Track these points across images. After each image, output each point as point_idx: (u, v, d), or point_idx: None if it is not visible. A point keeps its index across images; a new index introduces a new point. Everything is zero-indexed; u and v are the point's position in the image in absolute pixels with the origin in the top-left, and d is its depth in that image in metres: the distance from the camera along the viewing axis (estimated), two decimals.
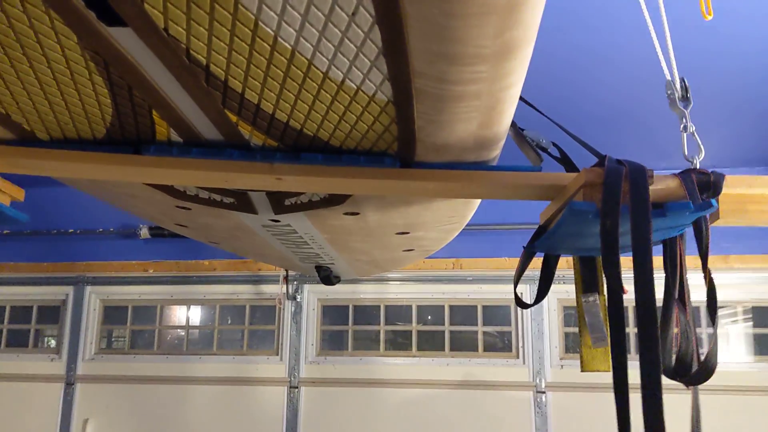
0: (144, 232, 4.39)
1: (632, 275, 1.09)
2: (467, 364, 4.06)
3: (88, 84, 1.10)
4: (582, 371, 1.48)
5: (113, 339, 4.49)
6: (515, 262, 1.49)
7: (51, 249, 4.56)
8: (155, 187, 1.53)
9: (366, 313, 4.28)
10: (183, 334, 4.40)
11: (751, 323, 3.97)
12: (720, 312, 3.98)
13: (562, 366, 3.97)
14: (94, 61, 1.02)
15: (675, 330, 1.24)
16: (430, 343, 4.17)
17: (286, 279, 4.08)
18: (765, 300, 3.95)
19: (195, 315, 4.44)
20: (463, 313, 4.19)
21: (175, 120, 1.20)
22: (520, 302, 1.57)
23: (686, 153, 1.38)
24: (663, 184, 1.26)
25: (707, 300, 1.31)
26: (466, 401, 3.99)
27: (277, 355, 4.22)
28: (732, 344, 3.98)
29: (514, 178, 1.32)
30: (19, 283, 4.52)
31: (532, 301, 1.52)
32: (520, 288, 1.51)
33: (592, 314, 1.42)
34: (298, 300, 4.25)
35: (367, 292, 4.25)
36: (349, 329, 4.26)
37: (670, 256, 1.31)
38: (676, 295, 1.25)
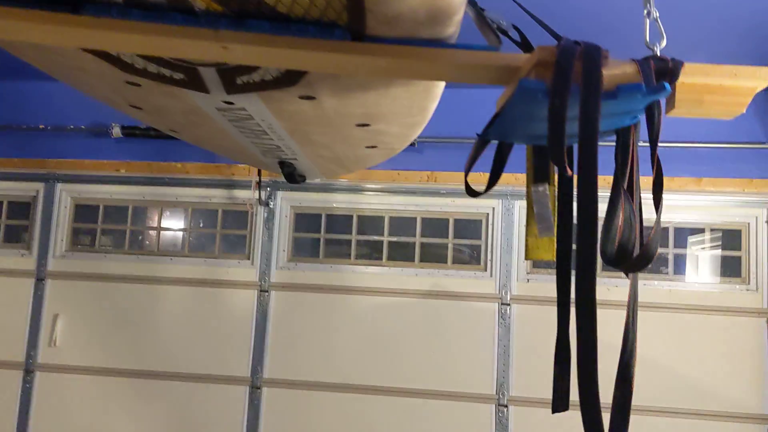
0: (116, 131, 4.31)
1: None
2: (436, 275, 4.10)
3: None
4: (526, 259, 1.50)
5: (83, 238, 4.48)
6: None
7: (21, 145, 4.48)
8: (102, 58, 1.47)
9: (339, 222, 4.28)
10: (154, 235, 4.39)
11: (719, 246, 4.02)
12: (692, 237, 4.04)
13: (528, 280, 4.02)
14: None
15: (620, 219, 1.23)
16: (401, 254, 4.20)
17: (259, 184, 4.06)
18: (735, 223, 3.99)
19: (168, 218, 4.42)
20: (435, 225, 4.21)
21: None
22: (470, 190, 1.56)
23: (647, 40, 1.34)
24: (619, 68, 1.22)
25: (653, 187, 1.30)
26: (433, 311, 4.06)
27: (249, 259, 4.24)
28: (701, 266, 4.05)
29: (468, 57, 1.28)
30: None
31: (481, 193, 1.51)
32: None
33: (541, 204, 1.42)
34: (271, 206, 4.23)
35: (340, 202, 4.24)
36: (321, 237, 4.27)
37: (622, 145, 1.29)
38: (625, 185, 1.23)
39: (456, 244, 4.18)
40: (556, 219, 1.42)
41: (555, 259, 1.41)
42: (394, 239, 4.20)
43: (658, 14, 1.34)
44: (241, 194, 4.27)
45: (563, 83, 1.10)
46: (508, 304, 4.01)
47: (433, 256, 4.18)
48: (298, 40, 1.23)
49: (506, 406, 3.93)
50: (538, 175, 1.44)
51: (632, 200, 1.24)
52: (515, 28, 1.42)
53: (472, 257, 4.16)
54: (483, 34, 1.39)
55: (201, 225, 4.39)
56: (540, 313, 3.98)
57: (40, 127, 4.43)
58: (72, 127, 4.41)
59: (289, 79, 1.49)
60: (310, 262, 4.22)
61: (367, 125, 1.86)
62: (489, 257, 4.09)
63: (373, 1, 1.13)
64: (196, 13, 1.22)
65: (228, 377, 4.11)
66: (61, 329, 4.24)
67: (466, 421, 3.95)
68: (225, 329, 4.15)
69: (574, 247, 1.24)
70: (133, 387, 4.17)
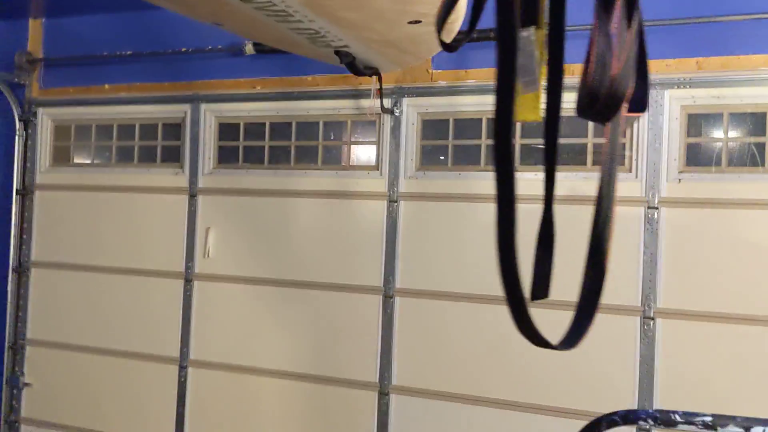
0: (249, 48, 4.39)
1: None
2: (573, 179, 3.77)
3: None
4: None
5: (227, 154, 4.68)
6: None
7: (169, 69, 4.73)
8: None
9: (468, 127, 4.05)
10: (290, 149, 4.47)
11: None
12: None
13: (679, 180, 3.55)
14: None
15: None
16: (535, 158, 3.89)
17: (380, 92, 3.93)
18: None
19: (301, 131, 4.47)
20: (572, 124, 3.83)
21: None
22: (445, 45, 1.31)
23: None
24: None
25: None
26: (568, 217, 3.74)
27: (378, 170, 4.18)
28: None
29: None
30: (143, 101, 4.77)
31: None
32: None
33: (526, 53, 1.15)
34: (397, 114, 4.10)
35: (468, 105, 4.00)
36: (449, 144, 4.08)
37: None
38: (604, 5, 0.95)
39: (596, 144, 3.78)
40: (543, 70, 1.16)
41: (541, 119, 1.16)
42: (525, 141, 3.90)
43: None
44: (369, 104, 4.18)
45: None
46: (656, 208, 3.58)
47: (567, 158, 3.83)
48: None
49: (653, 319, 3.57)
50: (523, 17, 1.16)
51: (610, 24, 0.96)
52: None
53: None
54: None
55: (332, 137, 4.39)
56: (693, 218, 3.52)
57: (183, 50, 4.63)
58: (210, 48, 4.56)
59: None
60: (439, 170, 4.06)
61: None
62: (634, 156, 3.66)
63: None
64: None
65: (362, 287, 4.15)
66: (212, 242, 4.52)
67: (609, 335, 3.66)
68: (357, 240, 4.18)
69: None
70: (277, 294, 4.37)
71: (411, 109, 4.12)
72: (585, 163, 3.80)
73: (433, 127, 4.13)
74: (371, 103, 4.00)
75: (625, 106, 1.08)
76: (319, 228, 4.29)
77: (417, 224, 4.06)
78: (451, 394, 3.94)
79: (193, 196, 4.60)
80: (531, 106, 1.20)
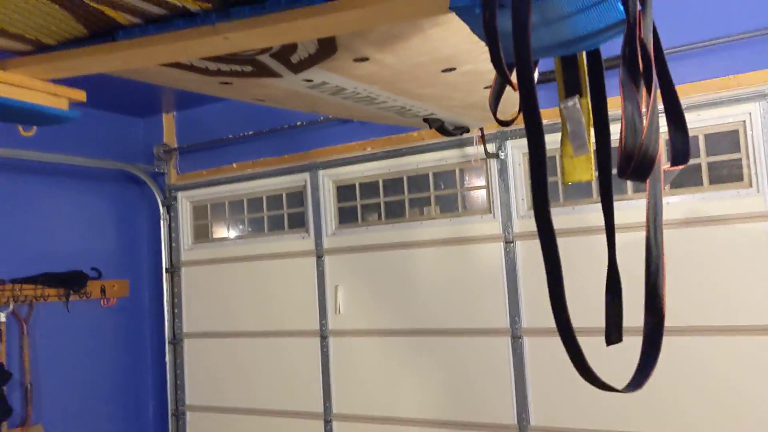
0: None
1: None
2: (690, 201, 3.68)
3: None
4: (564, 183, 1.34)
5: (347, 214, 4.95)
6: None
7: (287, 142, 5.10)
8: (183, 69, 1.68)
9: None
10: (403, 203, 4.67)
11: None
12: None
13: None
14: None
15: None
16: (642, 187, 3.84)
17: (483, 139, 4.06)
18: None
19: (412, 185, 4.66)
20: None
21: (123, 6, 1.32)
22: (501, 123, 1.42)
23: None
24: None
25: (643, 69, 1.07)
26: (692, 240, 3.65)
27: (490, 213, 4.28)
28: None
29: None
30: (268, 175, 5.17)
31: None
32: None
33: (574, 120, 1.24)
34: (502, 157, 4.20)
35: None
36: (557, 180, 4.12)
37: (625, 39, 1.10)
38: (631, 81, 1.04)
39: (711, 162, 3.69)
40: (590, 134, 1.24)
41: (594, 179, 1.25)
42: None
43: None
44: (473, 151, 4.31)
45: None
46: None
47: (682, 179, 3.75)
48: (275, 15, 1.27)
49: None
50: (567, 88, 1.26)
51: (636, 90, 1.04)
52: None
53: (732, 173, 3.64)
54: None
55: (442, 186, 4.55)
56: None
57: (299, 123, 4.99)
58: (322, 118, 4.89)
59: (327, 48, 1.54)
60: (552, 206, 4.09)
61: (452, 69, 1.80)
62: (753, 170, 3.54)
63: None
64: (192, 13, 1.34)
65: (489, 329, 4.22)
66: (342, 298, 4.77)
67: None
68: (478, 284, 4.27)
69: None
70: (407, 343, 4.52)
71: (515, 151, 4.21)
72: (701, 183, 3.71)
73: None
74: (476, 151, 4.13)
75: (665, 161, 1.15)
76: (440, 275, 4.42)
77: (535, 263, 4.09)
78: (589, 430, 3.89)
79: (319, 257, 4.89)
80: (584, 168, 1.29)
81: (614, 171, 1.28)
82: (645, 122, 1.14)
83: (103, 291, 5.27)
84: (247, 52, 1.61)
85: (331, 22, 1.40)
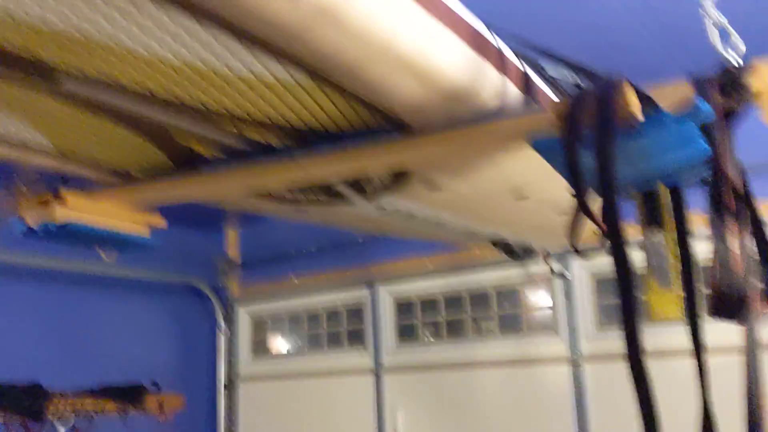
0: None
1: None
2: None
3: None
4: (652, 320, 1.30)
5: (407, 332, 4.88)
6: None
7: (347, 256, 5.13)
8: (263, 198, 1.73)
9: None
10: (464, 320, 4.58)
11: None
12: None
13: None
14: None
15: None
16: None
17: (547, 257, 3.99)
18: None
19: (474, 301, 4.59)
20: None
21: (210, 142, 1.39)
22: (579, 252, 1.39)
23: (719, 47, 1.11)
24: (659, 93, 1.03)
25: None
26: None
27: (556, 333, 4.15)
28: None
29: (497, 128, 1.23)
30: (327, 290, 5.17)
31: None
32: None
33: (658, 255, 1.20)
34: (567, 277, 4.12)
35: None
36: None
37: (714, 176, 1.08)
38: (719, 220, 1.01)
39: None
40: (675, 269, 1.21)
41: (681, 315, 1.20)
42: None
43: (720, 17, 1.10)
44: (537, 269, 4.24)
45: (570, 136, 1.00)
46: None
47: None
48: (354, 150, 1.31)
49: None
50: (649, 223, 1.24)
51: (723, 227, 1.01)
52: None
53: None
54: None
55: (505, 305, 4.46)
56: None
57: (359, 240, 5.03)
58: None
59: (401, 178, 1.57)
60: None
61: (526, 197, 1.80)
62: None
63: (396, 104, 1.18)
64: (275, 149, 1.39)
65: None
66: (401, 420, 4.61)
67: None
68: (545, 407, 4.08)
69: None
70: None
71: (582, 271, 4.12)
72: None
73: (609, 286, 4.07)
74: (540, 269, 4.06)
75: (761, 302, 1.11)
76: (505, 396, 4.25)
77: (604, 387, 3.90)
78: None
79: (378, 376, 4.78)
80: (669, 303, 1.25)
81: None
82: (736, 260, 1.11)
83: (160, 406, 5.23)
84: (324, 183, 1.65)
85: (407, 157, 1.44)
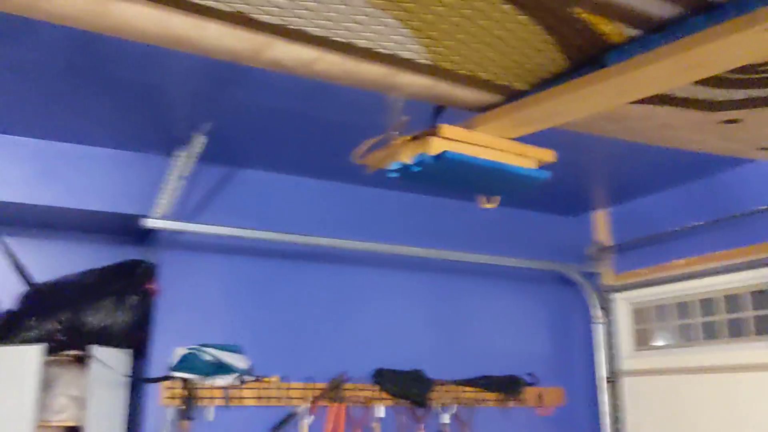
0: None
1: None
2: None
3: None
4: None
5: None
6: None
7: (743, 232, 4.30)
8: (678, 105, 1.28)
9: None
10: None
11: None
12: None
13: None
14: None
15: None
16: None
17: None
18: None
19: None
20: None
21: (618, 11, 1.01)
22: None
23: None
24: None
25: None
26: None
27: None
28: None
29: None
30: (726, 271, 4.37)
31: None
32: None
33: None
34: None
35: None
36: None
37: None
38: None
39: None
40: None
41: None
42: None
43: None
44: None
45: None
46: None
47: None
48: None
49: None
50: None
51: None
52: None
53: None
54: None
55: None
56: None
57: (755, 210, 4.18)
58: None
59: None
60: None
61: None
62: None
63: None
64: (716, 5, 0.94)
65: None
66: None
67: None
68: None
69: None
70: None
71: None
72: None
73: None
74: None
75: None
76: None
77: None
78: None
79: None
80: None
81: None
82: None
83: (539, 398, 5.02)
84: None
85: None
